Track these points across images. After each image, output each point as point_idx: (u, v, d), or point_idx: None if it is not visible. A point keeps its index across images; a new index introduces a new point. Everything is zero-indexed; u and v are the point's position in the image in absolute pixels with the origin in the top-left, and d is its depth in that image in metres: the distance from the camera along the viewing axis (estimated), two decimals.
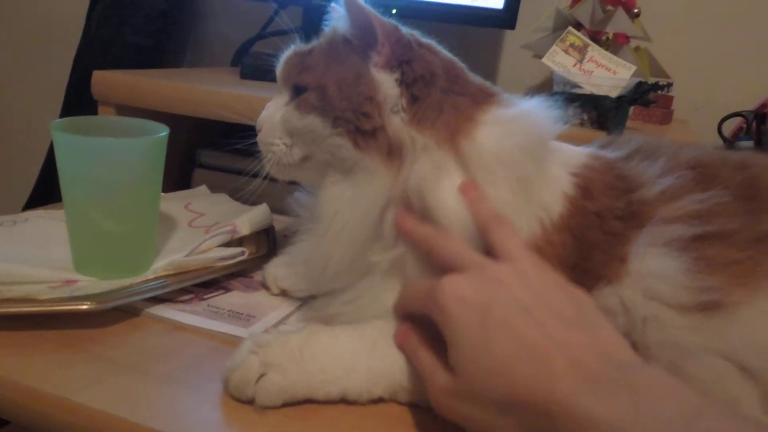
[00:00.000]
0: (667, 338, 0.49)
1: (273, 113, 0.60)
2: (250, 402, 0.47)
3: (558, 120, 0.57)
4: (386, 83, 0.54)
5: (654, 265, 0.50)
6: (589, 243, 0.53)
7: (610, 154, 0.60)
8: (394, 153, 0.53)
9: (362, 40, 0.55)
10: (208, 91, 0.81)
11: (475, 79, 0.59)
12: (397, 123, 0.53)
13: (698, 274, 0.48)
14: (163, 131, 0.61)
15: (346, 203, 0.54)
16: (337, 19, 0.61)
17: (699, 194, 0.52)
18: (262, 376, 0.47)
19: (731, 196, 0.53)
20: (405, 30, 0.56)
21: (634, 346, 0.49)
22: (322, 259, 0.55)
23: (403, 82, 0.54)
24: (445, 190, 0.52)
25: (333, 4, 0.62)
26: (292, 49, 0.60)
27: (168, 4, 1.24)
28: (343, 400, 0.49)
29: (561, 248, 0.52)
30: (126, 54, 1.21)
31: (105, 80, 0.85)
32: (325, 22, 0.61)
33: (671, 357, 0.49)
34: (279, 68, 0.61)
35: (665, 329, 0.49)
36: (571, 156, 0.58)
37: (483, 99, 0.56)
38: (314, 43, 0.59)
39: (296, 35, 0.63)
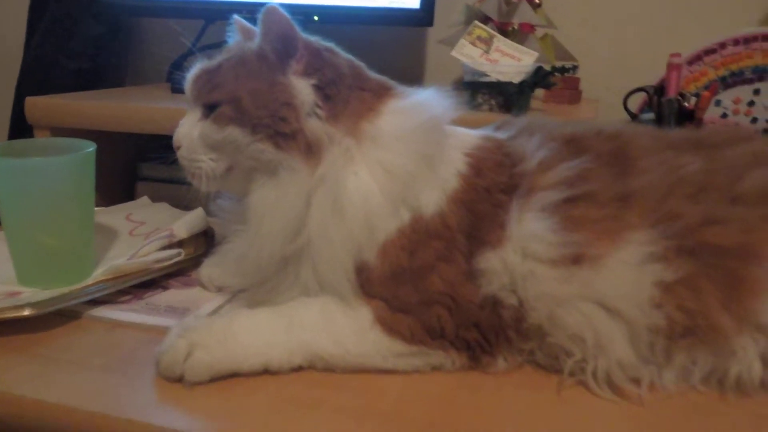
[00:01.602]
0: (542, 291, 0.55)
1: (189, 130, 0.62)
2: (180, 380, 0.53)
3: (451, 107, 0.64)
4: (304, 89, 0.59)
5: (528, 228, 0.56)
6: (479, 214, 0.59)
7: (500, 134, 0.66)
8: (313, 150, 0.58)
9: (279, 51, 0.60)
10: (135, 107, 0.87)
11: (374, 75, 0.65)
12: (313, 123, 0.59)
13: (565, 232, 0.55)
14: (90, 147, 0.66)
15: (274, 203, 0.59)
16: (243, 31, 0.67)
17: (570, 163, 0.59)
18: (189, 355, 0.52)
19: (599, 163, 0.60)
20: (309, 37, 0.62)
21: (519, 302, 0.56)
22: (255, 256, 0.60)
23: (318, 86, 0.60)
24: (351, 174, 0.57)
25: (235, 17, 0.67)
26: (198, 67, 0.64)
27: (102, 28, 1.28)
28: (267, 371, 0.55)
29: (458, 218, 0.58)
30: (66, 78, 1.25)
31: (37, 105, 0.90)
32: (228, 35, 0.66)
33: (548, 307, 0.55)
34: (188, 87, 0.63)
35: (540, 283, 0.55)
36: (466, 138, 0.64)
37: (383, 92, 0.62)
38: (220, 58, 0.63)
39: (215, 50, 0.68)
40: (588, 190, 0.57)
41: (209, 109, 0.61)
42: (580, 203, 0.57)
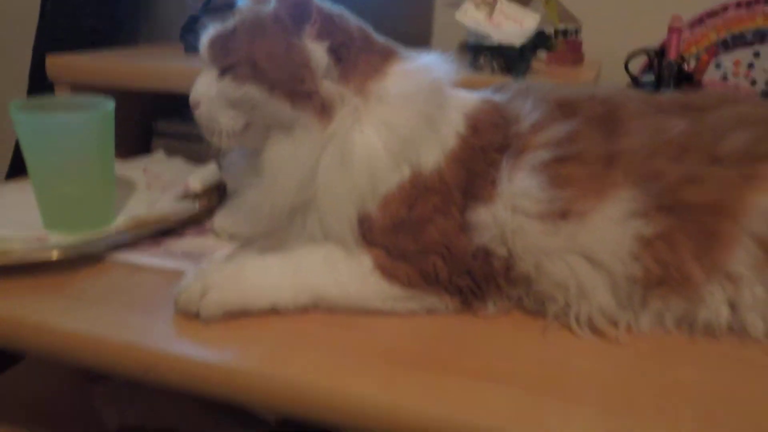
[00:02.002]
0: (530, 243, 0.60)
1: (207, 89, 0.65)
2: (196, 317, 0.58)
3: (453, 71, 0.67)
4: (318, 52, 0.62)
5: (519, 185, 0.60)
6: (474, 172, 0.63)
7: (498, 97, 0.70)
8: (326, 109, 0.62)
9: (294, 16, 0.63)
10: (151, 66, 0.91)
11: (381, 39, 0.68)
12: (327, 84, 0.62)
13: (553, 189, 0.59)
14: (110, 105, 0.71)
15: (289, 157, 0.63)
16: None
17: (561, 125, 0.63)
18: (203, 295, 0.58)
19: (590, 125, 0.63)
20: (322, 3, 0.65)
21: (508, 253, 0.61)
22: (270, 206, 0.64)
23: (331, 49, 0.63)
24: (358, 132, 0.61)
25: None
26: (213, 31, 0.66)
27: None
28: (274, 310, 0.60)
29: (456, 175, 0.63)
30: (82, 36, 1.28)
31: (58, 63, 0.94)
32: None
33: (535, 259, 0.60)
34: (204, 50, 0.66)
35: (528, 236, 0.60)
36: (465, 101, 0.68)
37: (389, 55, 0.66)
38: (233, 21, 0.65)
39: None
40: (577, 150, 0.61)
41: (226, 71, 0.64)
42: (568, 162, 0.61)
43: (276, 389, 0.52)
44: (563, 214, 0.59)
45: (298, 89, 0.62)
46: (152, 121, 1.08)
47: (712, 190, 0.58)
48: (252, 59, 0.62)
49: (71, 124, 0.69)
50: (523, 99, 0.67)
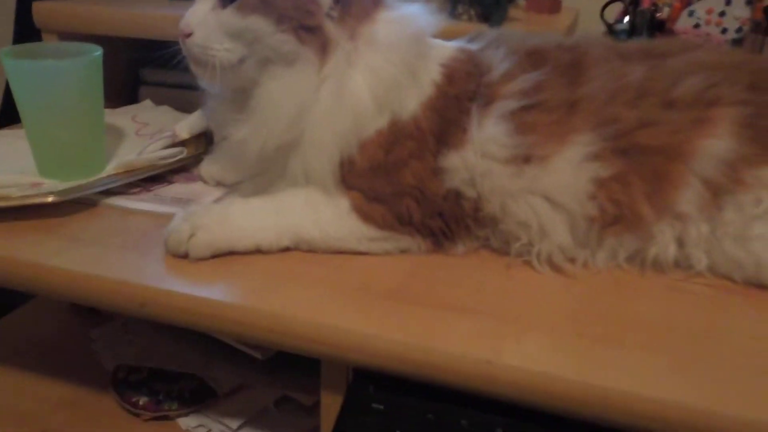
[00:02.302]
0: (497, 185, 0.64)
1: (204, 18, 0.64)
2: (185, 257, 0.62)
3: (434, 22, 0.70)
4: None
5: (487, 132, 0.64)
6: (448, 119, 0.67)
7: (473, 46, 0.73)
8: (325, 49, 0.64)
9: None
10: (137, 14, 0.92)
11: None
12: (329, 24, 0.65)
13: (519, 135, 0.63)
14: (97, 51, 0.73)
15: (289, 90, 0.64)
16: None
17: (529, 74, 0.66)
18: (192, 236, 0.62)
19: (556, 73, 0.66)
20: None
21: (477, 195, 0.65)
22: (261, 141, 0.65)
23: None
24: (348, 77, 0.64)
25: None
26: None
27: None
28: (259, 251, 0.64)
29: (430, 122, 0.66)
30: None
31: (45, 10, 0.96)
32: None
33: (501, 199, 0.64)
34: None
35: (495, 179, 0.64)
36: (442, 51, 0.71)
37: (377, 2, 0.68)
38: None
39: None
40: (542, 98, 0.64)
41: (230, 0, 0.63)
42: (533, 110, 0.64)
43: (259, 321, 0.57)
44: (527, 159, 0.63)
45: (305, 22, 0.63)
46: (139, 70, 1.09)
47: (664, 134, 0.62)
48: None
49: (61, 70, 0.71)
50: (495, 49, 0.70)
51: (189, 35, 0.64)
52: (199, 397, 0.78)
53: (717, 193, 0.62)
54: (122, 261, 0.63)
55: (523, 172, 0.63)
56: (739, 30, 1.07)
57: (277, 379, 0.79)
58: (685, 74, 0.65)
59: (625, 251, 0.64)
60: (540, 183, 0.63)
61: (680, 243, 0.63)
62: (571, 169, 0.62)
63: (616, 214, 0.62)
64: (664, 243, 0.63)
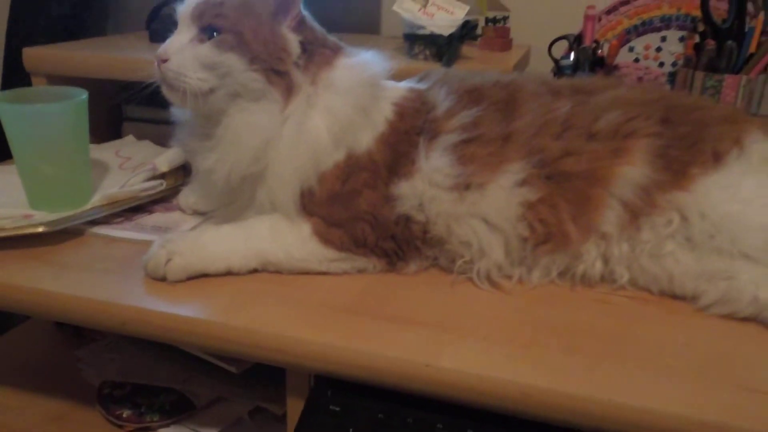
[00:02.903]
0: (442, 210, 0.72)
1: (180, 48, 0.70)
2: (163, 279, 0.69)
3: (387, 67, 0.78)
4: (294, 41, 0.73)
5: (433, 163, 0.72)
6: (399, 152, 0.75)
7: (421, 85, 0.81)
8: (289, 91, 0.72)
9: (282, 6, 0.72)
10: (119, 58, 1.00)
11: (331, 37, 0.78)
12: (296, 71, 0.72)
13: (460, 166, 0.71)
14: (83, 95, 0.81)
15: (254, 124, 0.71)
16: None
17: (469, 110, 0.74)
18: (169, 261, 0.69)
19: (492, 109, 0.75)
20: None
21: (425, 219, 0.73)
22: (226, 170, 0.72)
23: (301, 42, 0.73)
24: (308, 116, 0.72)
25: None
26: None
27: None
28: (229, 273, 0.72)
29: (383, 155, 0.74)
30: (53, 25, 1.36)
31: (34, 55, 1.04)
32: None
33: (446, 222, 0.72)
34: (188, 8, 0.71)
35: (440, 204, 0.72)
36: (395, 91, 0.79)
37: (337, 51, 0.76)
38: None
39: None
40: (479, 132, 0.73)
41: (207, 33, 0.70)
42: (472, 143, 0.72)
43: (230, 335, 0.64)
44: (467, 186, 0.71)
45: (276, 67, 0.71)
46: (122, 106, 1.17)
47: (586, 162, 0.70)
48: (239, 31, 0.70)
49: (50, 113, 0.79)
50: (440, 87, 0.79)
51: (165, 61, 0.70)
52: (178, 409, 0.85)
53: (635, 215, 0.70)
54: (106, 284, 0.70)
55: (464, 198, 0.71)
56: (674, 64, 1.17)
57: (251, 392, 0.86)
58: (607, 109, 0.74)
59: (557, 268, 0.72)
60: (478, 207, 0.71)
61: (605, 260, 0.72)
62: (504, 194, 0.71)
63: (546, 233, 0.70)
64: (590, 260, 0.71)
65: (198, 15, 0.71)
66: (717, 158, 0.70)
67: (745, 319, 0.65)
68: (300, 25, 0.73)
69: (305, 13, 0.75)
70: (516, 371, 0.57)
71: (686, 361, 0.59)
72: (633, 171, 0.70)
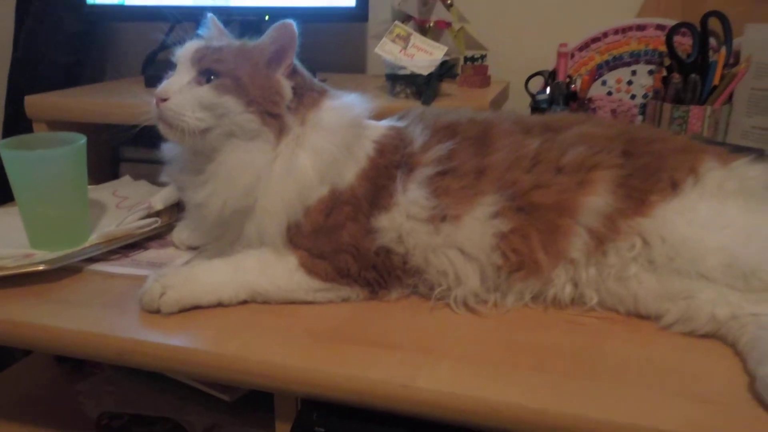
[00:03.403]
0: (419, 242, 0.77)
1: (181, 89, 0.75)
2: (158, 312, 0.74)
3: (369, 108, 0.83)
4: (287, 87, 0.78)
5: (410, 196, 0.77)
6: (379, 186, 0.79)
7: (400, 123, 0.87)
8: (281, 132, 0.77)
9: (279, 54, 0.78)
10: (116, 103, 1.06)
11: (317, 81, 0.84)
12: (287, 113, 0.78)
13: (435, 198, 0.76)
14: (82, 140, 0.86)
15: (247, 161, 0.76)
16: (215, 28, 0.84)
17: (443, 144, 0.79)
18: (163, 294, 0.73)
19: (466, 144, 0.80)
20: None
21: (404, 250, 0.77)
22: (220, 203, 0.77)
23: (293, 87, 0.79)
24: (296, 155, 0.77)
25: (211, 15, 0.85)
26: (198, 42, 0.79)
27: (84, 24, 1.46)
28: (220, 305, 0.76)
29: (364, 189, 0.79)
30: (52, 71, 1.42)
31: (35, 102, 1.09)
32: (202, 28, 0.84)
33: (424, 254, 0.77)
34: (188, 52, 0.77)
35: (418, 236, 0.76)
36: (376, 129, 0.84)
37: (323, 93, 0.82)
38: (219, 44, 0.79)
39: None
40: (454, 166, 0.78)
41: (206, 76, 0.75)
42: (447, 176, 0.77)
43: (220, 362, 0.68)
44: (443, 218, 0.76)
45: (270, 110, 0.76)
46: (118, 148, 1.23)
47: (554, 194, 0.75)
48: (237, 76, 0.75)
49: (50, 158, 0.84)
50: (417, 124, 0.84)
51: (165, 100, 0.74)
52: None
53: (600, 241, 0.75)
54: (103, 317, 0.74)
55: (440, 230, 0.76)
56: (645, 96, 1.22)
57: (244, 419, 0.89)
58: (573, 144, 0.79)
59: (530, 293, 0.76)
60: (454, 238, 0.76)
61: (574, 284, 0.76)
62: (478, 226, 0.75)
63: (518, 261, 0.75)
64: (561, 285, 0.76)
65: (198, 59, 0.76)
66: (674, 186, 0.75)
67: (704, 336, 0.69)
68: (292, 73, 0.79)
69: (296, 61, 0.80)
70: (487, 389, 0.61)
71: (648, 375, 0.63)
72: (597, 201, 0.75)
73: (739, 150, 0.85)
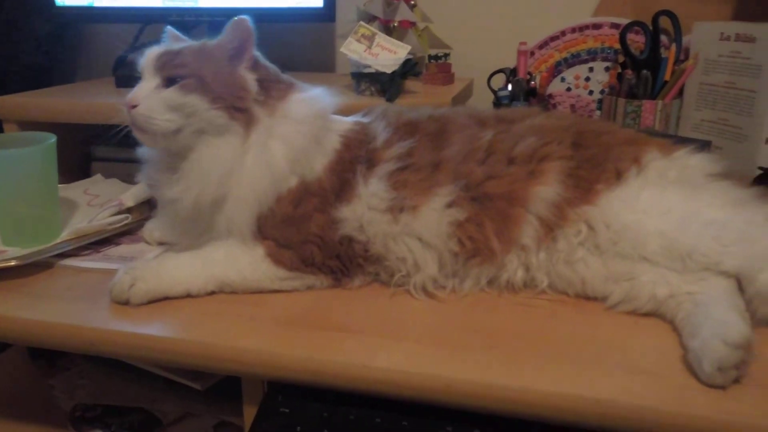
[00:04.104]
0: (379, 230, 0.80)
1: (149, 94, 0.77)
2: (127, 303, 0.76)
3: (335, 101, 0.87)
4: (251, 80, 0.81)
5: (371, 189, 0.81)
6: (344, 179, 0.83)
7: (365, 119, 0.90)
8: (250, 124, 0.80)
9: (238, 49, 0.80)
10: (86, 103, 1.08)
11: (285, 75, 0.87)
12: (255, 106, 0.81)
13: (395, 191, 0.80)
14: (52, 139, 0.88)
15: (219, 155, 0.78)
16: (173, 37, 0.87)
17: (404, 142, 0.83)
18: (132, 286, 0.76)
19: (425, 140, 0.84)
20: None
21: (366, 239, 0.81)
22: (194, 196, 0.79)
23: (258, 80, 0.81)
24: (266, 146, 0.80)
25: (168, 27, 0.88)
26: (161, 47, 0.82)
27: (55, 26, 1.47)
28: (189, 296, 0.78)
29: (331, 182, 0.82)
30: (24, 73, 1.44)
31: (6, 103, 1.11)
32: (163, 39, 0.87)
33: (383, 241, 0.80)
34: (150, 61, 0.79)
35: (378, 225, 0.80)
36: (342, 124, 0.88)
37: (291, 86, 0.85)
38: (179, 47, 0.81)
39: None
40: (413, 161, 0.82)
41: (170, 81, 0.77)
42: (406, 170, 0.81)
43: (188, 349, 0.70)
44: (401, 209, 0.79)
45: (236, 105, 0.79)
46: (90, 148, 1.25)
47: (506, 184, 0.79)
48: (200, 75, 0.78)
49: (20, 158, 0.86)
50: (380, 121, 0.88)
51: (135, 106, 0.77)
52: (147, 426, 0.91)
53: (550, 228, 0.79)
54: (75, 309, 0.76)
55: (399, 219, 0.80)
56: (602, 92, 1.27)
57: (216, 407, 0.92)
58: (524, 136, 0.83)
59: (486, 277, 0.80)
60: (412, 227, 0.79)
61: (526, 268, 0.80)
62: (435, 215, 0.79)
63: (474, 248, 0.79)
64: (513, 269, 0.80)
65: (160, 67, 0.79)
66: (619, 175, 0.79)
67: (646, 314, 0.74)
68: (255, 65, 0.82)
69: (258, 54, 0.84)
70: (441, 367, 0.65)
71: (591, 351, 0.67)
72: (547, 190, 0.79)
73: (684, 141, 0.90)
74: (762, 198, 0.78)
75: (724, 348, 0.60)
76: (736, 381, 0.61)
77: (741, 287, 0.71)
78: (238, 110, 0.79)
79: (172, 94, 0.77)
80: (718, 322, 0.64)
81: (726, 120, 1.12)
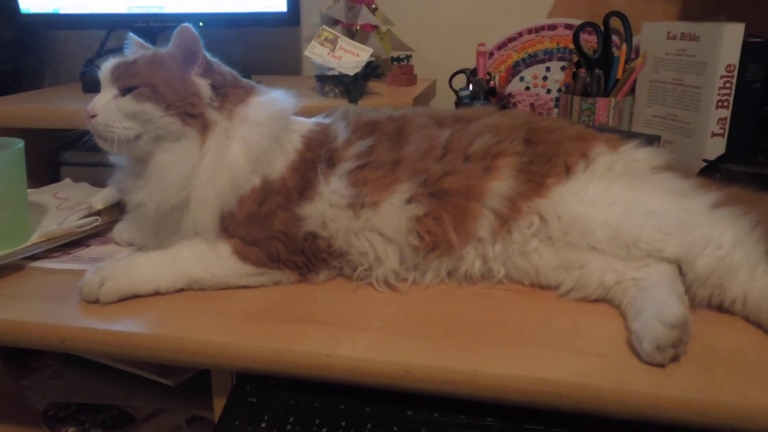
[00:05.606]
0: (341, 226, 0.83)
1: (105, 104, 0.81)
2: (97, 302, 0.78)
3: (294, 103, 0.90)
4: (204, 86, 0.84)
5: (332, 187, 0.84)
6: (306, 177, 0.86)
7: (327, 120, 0.93)
8: (206, 128, 0.83)
9: (187, 56, 0.84)
10: (54, 109, 1.10)
11: (244, 79, 0.90)
12: (210, 110, 0.84)
13: (355, 188, 0.83)
14: (19, 144, 0.90)
15: (177, 160, 0.82)
16: (137, 45, 0.90)
17: (364, 141, 0.87)
18: (101, 285, 0.78)
19: (384, 139, 0.87)
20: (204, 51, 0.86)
21: (329, 234, 0.84)
22: (156, 201, 0.82)
23: (212, 85, 0.84)
24: (226, 148, 0.83)
25: (130, 34, 0.91)
26: (116, 59, 0.85)
27: (22, 32, 1.48)
28: (158, 293, 0.81)
29: (294, 181, 0.85)
30: None
31: None
32: (126, 47, 0.90)
33: (345, 237, 0.84)
34: (106, 72, 0.83)
35: (340, 221, 0.83)
36: (304, 125, 0.91)
37: (250, 90, 0.88)
38: (133, 56, 0.85)
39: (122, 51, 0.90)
40: (372, 159, 0.85)
41: (126, 90, 0.81)
42: (366, 168, 0.84)
43: (158, 344, 0.73)
44: (362, 205, 0.83)
45: (189, 111, 0.82)
46: (59, 153, 1.26)
47: (462, 180, 0.83)
48: (152, 84, 0.81)
49: None
50: (341, 121, 0.91)
51: (94, 116, 0.81)
52: (120, 423, 0.93)
53: (504, 220, 0.83)
54: (45, 309, 0.78)
55: (360, 215, 0.83)
56: (559, 90, 1.32)
57: (187, 403, 0.94)
58: (479, 134, 0.87)
59: (445, 269, 0.84)
60: (373, 222, 0.83)
61: (483, 260, 0.84)
62: (395, 211, 0.82)
63: (433, 241, 0.82)
64: (470, 261, 0.83)
65: (115, 78, 0.82)
66: (568, 170, 0.84)
67: (596, 300, 0.78)
68: (207, 71, 0.85)
69: (213, 59, 0.86)
70: (401, 354, 0.68)
71: (543, 336, 0.71)
72: (501, 185, 0.83)
73: (632, 136, 0.95)
74: (702, 188, 0.83)
75: (662, 328, 0.64)
76: (675, 359, 0.65)
77: (682, 272, 0.76)
78: (191, 116, 0.82)
79: (127, 102, 0.81)
80: (658, 304, 0.68)
81: (675, 115, 1.18)
